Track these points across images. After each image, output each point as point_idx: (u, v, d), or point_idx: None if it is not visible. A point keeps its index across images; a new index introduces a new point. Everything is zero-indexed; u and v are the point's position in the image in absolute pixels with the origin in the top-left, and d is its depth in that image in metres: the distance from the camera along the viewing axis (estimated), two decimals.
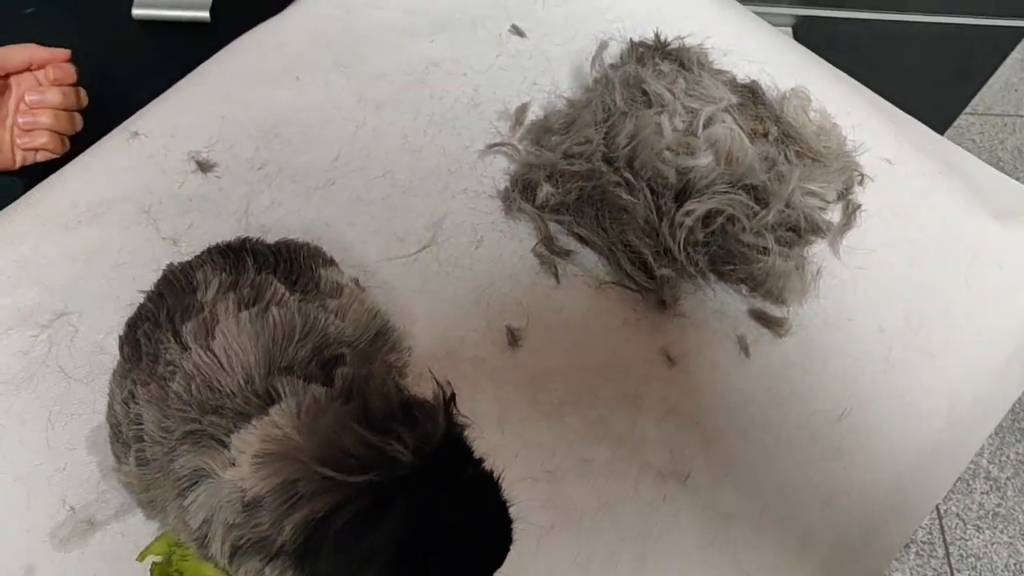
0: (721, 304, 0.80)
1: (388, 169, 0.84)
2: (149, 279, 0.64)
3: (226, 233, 0.78)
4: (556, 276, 0.79)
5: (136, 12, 1.18)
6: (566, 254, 0.80)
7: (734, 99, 0.78)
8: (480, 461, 0.56)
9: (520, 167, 0.83)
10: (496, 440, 0.72)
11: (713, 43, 0.92)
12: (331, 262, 0.68)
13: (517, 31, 0.93)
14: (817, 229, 0.79)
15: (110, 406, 0.63)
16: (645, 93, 0.80)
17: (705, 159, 0.76)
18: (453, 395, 0.54)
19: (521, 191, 0.81)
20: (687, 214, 0.76)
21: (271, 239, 0.77)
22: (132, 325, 0.63)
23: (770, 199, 0.77)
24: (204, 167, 0.81)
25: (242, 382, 0.55)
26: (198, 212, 0.79)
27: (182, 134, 0.83)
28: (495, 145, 0.84)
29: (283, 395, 0.54)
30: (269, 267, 0.63)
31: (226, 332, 0.57)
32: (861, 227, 0.85)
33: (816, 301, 0.81)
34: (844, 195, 0.85)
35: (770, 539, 0.71)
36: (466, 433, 0.54)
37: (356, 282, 0.68)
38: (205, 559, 0.59)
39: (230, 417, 0.54)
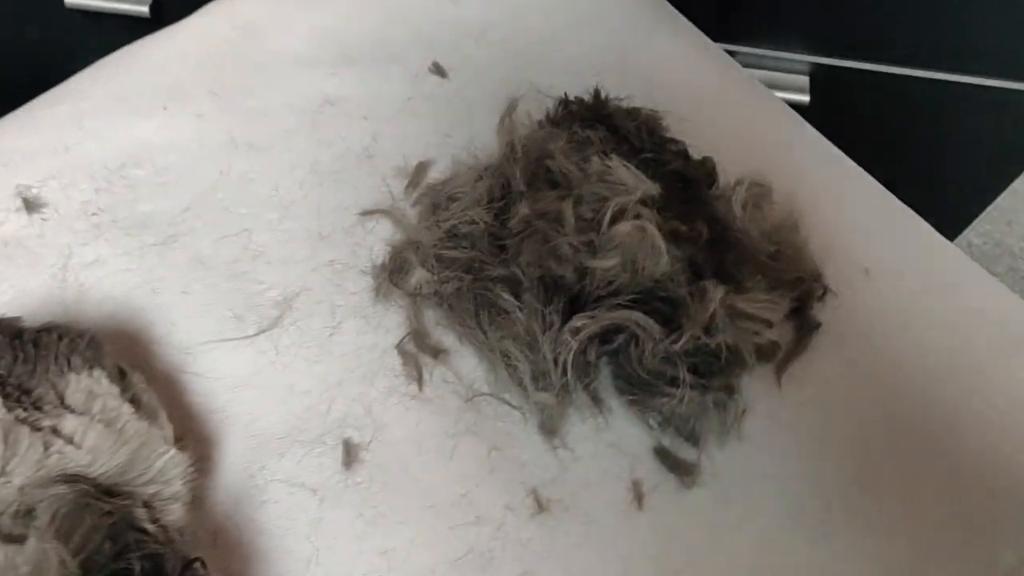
0: (619, 436, 0.65)
1: (246, 227, 0.70)
2: None
3: (36, 289, 0.66)
4: (419, 382, 0.65)
5: (70, 0, 1.08)
6: (437, 354, 0.66)
7: (655, 189, 0.63)
8: None
9: (402, 240, 0.69)
10: None
11: (677, 105, 0.77)
12: (90, 361, 0.54)
13: (438, 70, 0.79)
14: (742, 362, 0.63)
15: None
16: (550, 171, 0.65)
17: (610, 261, 0.61)
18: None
19: (392, 272, 0.67)
20: (575, 332, 0.61)
21: (88, 301, 0.65)
22: None
23: (685, 321, 0.61)
24: (30, 206, 0.69)
25: None
26: (8, 260, 0.66)
27: (17, 163, 0.71)
28: (373, 212, 0.70)
29: None
30: (1, 367, 0.51)
31: None
32: (815, 351, 0.69)
33: (740, 445, 0.65)
34: (798, 312, 0.69)
35: None
36: None
37: (125, 390, 0.54)
38: None
39: None
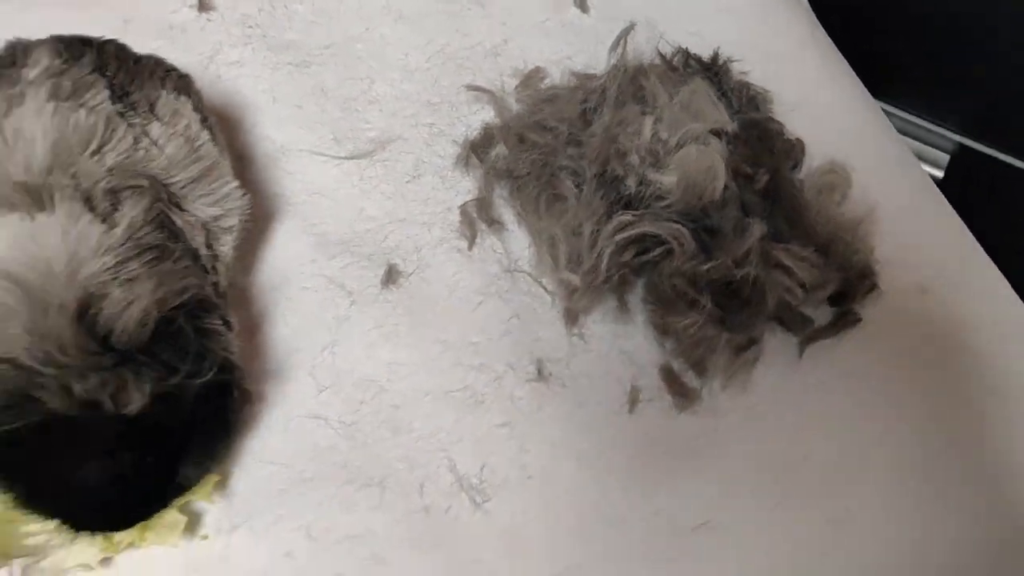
0: (634, 346, 0.68)
1: (370, 77, 0.78)
2: None
3: (183, 67, 0.76)
4: (470, 241, 0.71)
5: None
6: (493, 223, 0.72)
7: (732, 127, 0.67)
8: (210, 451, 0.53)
9: (493, 122, 0.75)
10: (309, 365, 0.64)
11: (787, 98, 0.81)
12: (182, 91, 0.62)
13: (581, 4, 0.85)
14: (764, 308, 0.65)
15: None
16: (643, 89, 0.70)
17: (669, 177, 0.66)
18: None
19: (475, 144, 0.73)
20: (621, 227, 0.65)
21: (217, 89, 0.74)
22: None
23: (721, 249, 0.65)
24: (203, 6, 0.79)
25: (23, 172, 0.52)
26: (169, 41, 0.77)
27: None
28: (479, 89, 0.77)
29: (56, 208, 0.50)
30: (108, 71, 0.59)
31: (23, 116, 0.54)
32: (849, 342, 0.71)
33: (742, 394, 0.67)
34: (841, 300, 0.71)
35: None
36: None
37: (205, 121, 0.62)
38: None
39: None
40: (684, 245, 0.65)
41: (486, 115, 0.77)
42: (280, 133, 0.73)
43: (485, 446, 0.63)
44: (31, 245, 0.49)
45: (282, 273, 0.67)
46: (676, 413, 0.66)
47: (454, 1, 0.84)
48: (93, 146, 0.54)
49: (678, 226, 0.65)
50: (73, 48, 0.59)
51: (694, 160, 0.65)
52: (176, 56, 0.74)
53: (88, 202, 0.52)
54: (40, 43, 0.59)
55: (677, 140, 0.66)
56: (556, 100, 0.74)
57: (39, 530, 0.57)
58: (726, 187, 0.65)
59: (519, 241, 0.72)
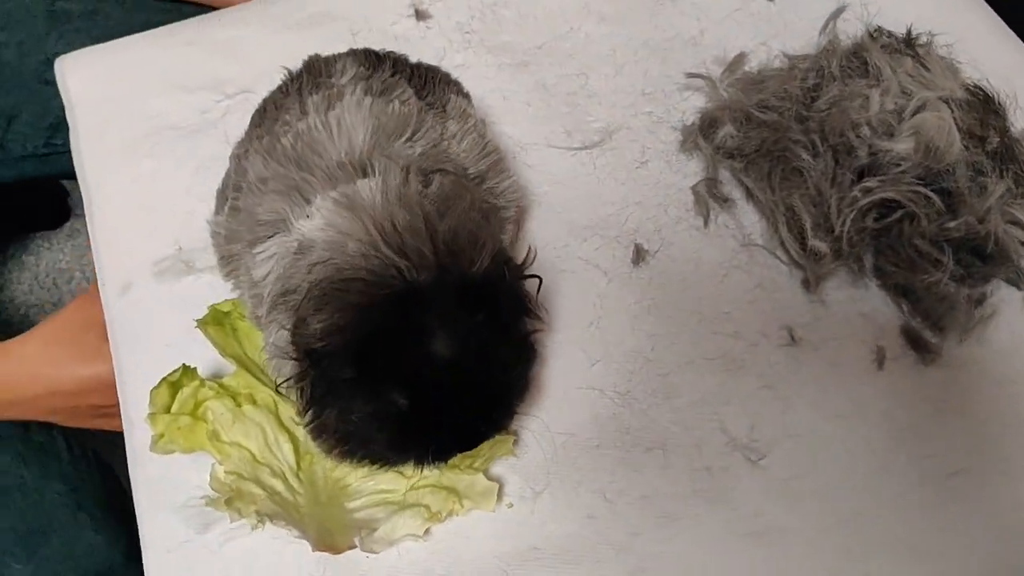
0: (873, 308, 0.72)
1: (583, 72, 0.83)
2: None
3: None
4: (705, 219, 0.75)
5: None
6: (724, 201, 0.76)
7: (960, 94, 0.71)
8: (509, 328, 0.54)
9: (714, 107, 0.79)
10: (579, 340, 0.69)
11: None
12: (465, 95, 0.68)
13: None
14: (1007, 261, 0.69)
15: (227, 170, 0.66)
16: (865, 64, 0.74)
17: (904, 145, 0.69)
18: (535, 275, 0.56)
19: (702, 127, 0.77)
20: (865, 191, 0.69)
21: None
22: (267, 99, 0.66)
23: (961, 209, 0.68)
24: (420, 15, 0.85)
25: (344, 153, 0.57)
26: (396, 50, 0.82)
27: None
28: (696, 75, 0.81)
29: (376, 172, 0.55)
30: (404, 76, 0.64)
31: (345, 108, 0.59)
32: None
33: (978, 346, 0.71)
34: None
35: (823, 563, 0.63)
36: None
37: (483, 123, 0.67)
38: (254, 320, 0.61)
39: (321, 179, 0.55)
40: (927, 207, 0.68)
41: (697, 101, 0.81)
42: (515, 129, 0.78)
43: (751, 408, 0.67)
44: (356, 195, 0.53)
45: (541, 258, 0.72)
46: (922, 368, 0.70)
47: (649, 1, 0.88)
48: (407, 133, 0.59)
49: (921, 188, 0.68)
50: (371, 57, 0.64)
51: (930, 125, 0.69)
52: None
53: (404, 172, 0.56)
54: (341, 55, 0.64)
55: (912, 108, 0.69)
56: (767, 81, 0.78)
57: (365, 504, 0.62)
58: (960, 150, 0.69)
59: (749, 216, 0.76)
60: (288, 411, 0.62)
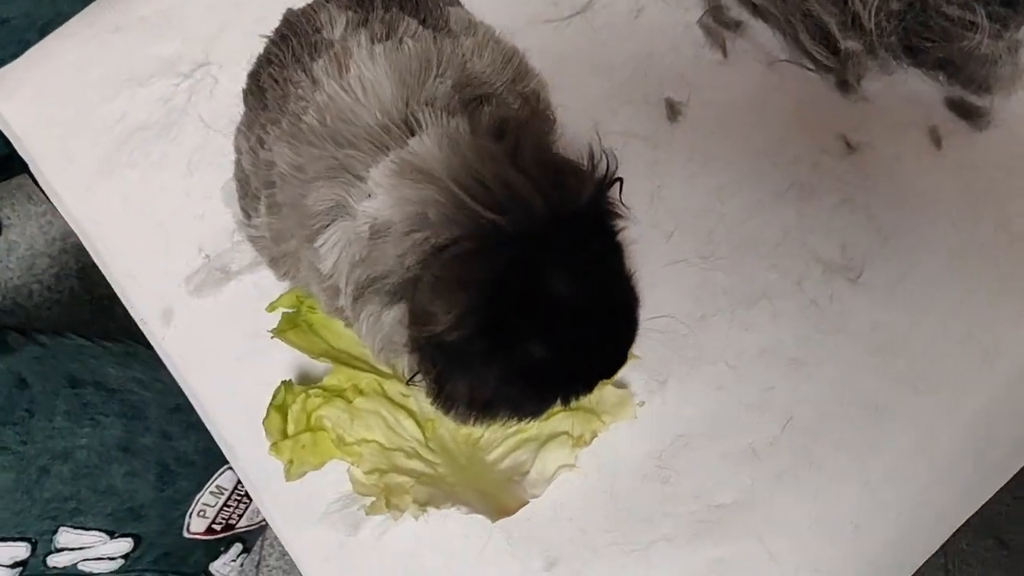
0: (912, 91, 0.70)
1: None
2: None
3: None
4: (723, 50, 0.71)
5: None
6: (736, 26, 0.71)
7: None
8: (619, 246, 0.50)
9: None
10: (647, 218, 0.66)
11: None
12: (456, 2, 0.62)
13: None
14: None
15: (237, 163, 0.60)
16: None
17: None
18: (617, 177, 0.49)
19: None
20: None
21: None
22: (254, 74, 0.59)
23: None
24: None
25: (379, 114, 0.51)
26: None
27: None
28: None
29: (425, 125, 0.49)
30: (395, 3, 0.58)
31: (360, 64, 0.52)
32: None
33: None
34: None
35: (948, 351, 0.64)
36: (618, 215, 0.49)
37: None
38: (334, 313, 0.56)
39: (367, 150, 0.50)
40: None
41: None
42: (499, 14, 0.71)
43: (835, 227, 0.66)
44: (411, 158, 0.49)
45: (575, 145, 0.68)
46: (978, 134, 0.69)
47: None
48: (433, 71, 0.53)
49: None
50: None
51: None
52: None
53: (450, 114, 0.51)
54: (321, 5, 0.57)
55: None
56: None
57: (504, 451, 0.60)
58: None
59: (764, 34, 0.72)
60: (395, 386, 0.59)
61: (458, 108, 0.52)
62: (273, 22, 0.71)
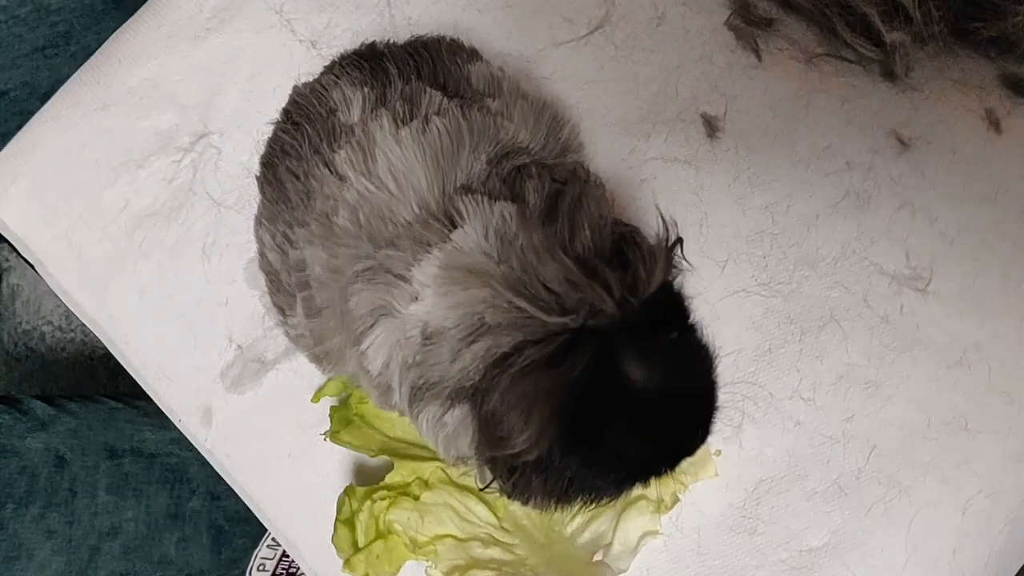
0: (962, 73, 0.65)
1: None
2: (289, 89, 0.56)
3: (367, 30, 0.68)
4: (757, 52, 0.66)
5: None
6: (767, 24, 0.66)
7: None
8: (694, 326, 0.47)
9: None
10: (697, 249, 0.62)
11: None
12: (475, 54, 0.57)
13: None
14: None
15: (261, 254, 0.56)
16: None
17: None
18: (679, 240, 0.45)
19: None
20: None
21: (420, 28, 0.67)
22: (269, 163, 0.55)
23: None
24: None
25: (416, 207, 0.47)
26: (334, 8, 0.68)
27: None
28: None
29: (467, 217, 0.45)
30: (412, 72, 0.53)
31: (388, 153, 0.48)
32: None
33: None
34: None
35: None
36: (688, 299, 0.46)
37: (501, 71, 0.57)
38: (387, 408, 0.53)
39: (408, 248, 0.46)
40: None
41: None
42: (510, 42, 0.67)
43: (896, 235, 0.62)
44: (458, 257, 0.45)
45: (614, 176, 0.63)
46: None
47: None
48: (465, 148, 0.49)
49: None
50: (363, 67, 0.52)
51: None
52: (352, 19, 0.68)
53: (491, 197, 0.47)
54: (328, 78, 0.52)
55: None
56: None
57: (583, 523, 0.57)
58: None
59: (798, 30, 0.67)
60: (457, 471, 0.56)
61: (498, 188, 0.48)
62: (268, 79, 0.67)
